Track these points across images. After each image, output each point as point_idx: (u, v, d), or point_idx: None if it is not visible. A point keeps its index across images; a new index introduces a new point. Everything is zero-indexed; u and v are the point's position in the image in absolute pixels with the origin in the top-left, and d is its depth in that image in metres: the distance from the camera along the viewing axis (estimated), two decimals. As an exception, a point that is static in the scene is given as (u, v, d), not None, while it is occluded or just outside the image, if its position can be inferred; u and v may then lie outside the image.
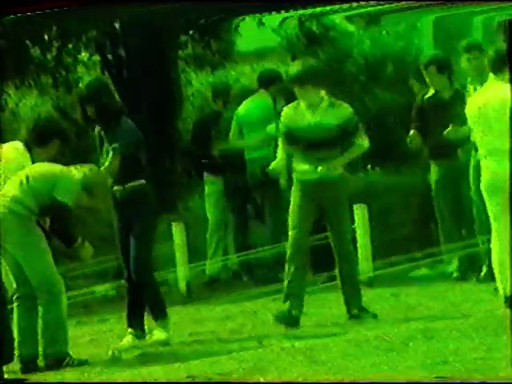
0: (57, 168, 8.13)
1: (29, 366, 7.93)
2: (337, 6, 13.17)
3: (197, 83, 12.93)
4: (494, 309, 8.61)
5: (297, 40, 13.46)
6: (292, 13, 13.31)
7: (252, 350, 7.88)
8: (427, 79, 10.30)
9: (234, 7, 12.17)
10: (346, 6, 13.15)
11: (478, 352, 7.08)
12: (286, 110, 8.74)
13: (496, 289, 8.60)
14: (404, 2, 11.18)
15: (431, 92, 10.33)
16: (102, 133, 8.64)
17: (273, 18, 13.25)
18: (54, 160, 8.24)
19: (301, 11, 13.43)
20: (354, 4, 12.57)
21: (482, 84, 9.65)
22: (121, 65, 12.52)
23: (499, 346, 7.18)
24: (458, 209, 10.26)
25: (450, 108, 9.93)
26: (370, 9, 13.32)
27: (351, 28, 13.65)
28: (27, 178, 8.02)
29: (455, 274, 10.22)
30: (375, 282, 10.40)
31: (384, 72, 10.77)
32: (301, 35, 13.40)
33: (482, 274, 9.94)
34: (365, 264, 10.50)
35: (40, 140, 8.29)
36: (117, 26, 12.45)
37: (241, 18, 12.72)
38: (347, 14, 13.21)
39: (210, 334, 8.67)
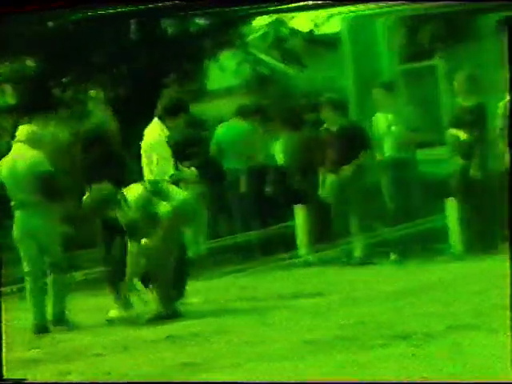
0: (27, 152, 7.67)
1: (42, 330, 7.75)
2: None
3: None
4: (398, 281, 8.72)
5: (251, 80, 13.53)
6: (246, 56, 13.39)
7: (216, 313, 7.85)
8: (322, 114, 10.27)
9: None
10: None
11: (387, 314, 7.16)
12: None
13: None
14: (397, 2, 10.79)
15: (325, 125, 10.31)
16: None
17: (231, 63, 13.34)
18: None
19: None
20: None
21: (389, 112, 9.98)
22: (120, 100, 12.52)
23: (402, 308, 7.27)
24: (345, 208, 10.26)
25: (337, 138, 10.10)
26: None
27: (291, 71, 13.74)
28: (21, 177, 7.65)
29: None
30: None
31: (318, 105, 10.84)
32: (254, 77, 13.49)
33: (392, 257, 10.01)
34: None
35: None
36: (115, 70, 12.46)
37: (207, 63, 12.83)
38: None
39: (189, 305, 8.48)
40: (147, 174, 8.15)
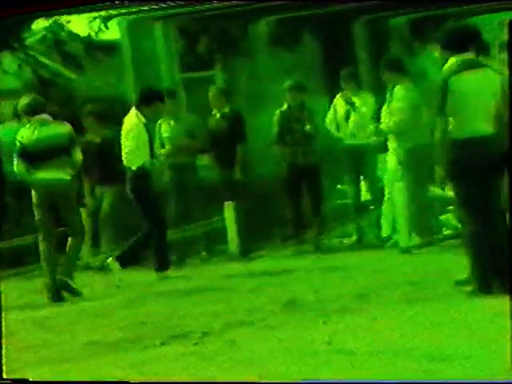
0: None
1: None
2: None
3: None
4: (178, 282, 8.80)
5: (32, 83, 13.31)
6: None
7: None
8: (85, 124, 10.30)
9: None
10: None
11: (166, 314, 7.22)
12: None
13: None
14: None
15: (87, 136, 10.30)
16: None
17: (12, 65, 13.13)
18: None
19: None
20: None
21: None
22: None
23: (181, 308, 7.39)
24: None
25: (101, 150, 10.13)
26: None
27: (73, 75, 13.66)
28: None
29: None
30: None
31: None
32: (35, 79, 13.29)
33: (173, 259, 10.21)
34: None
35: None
36: None
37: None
38: None
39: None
40: (124, 161, 8.80)
